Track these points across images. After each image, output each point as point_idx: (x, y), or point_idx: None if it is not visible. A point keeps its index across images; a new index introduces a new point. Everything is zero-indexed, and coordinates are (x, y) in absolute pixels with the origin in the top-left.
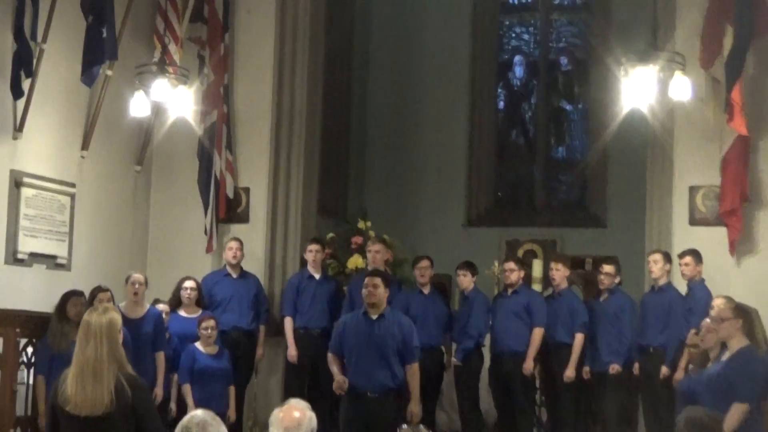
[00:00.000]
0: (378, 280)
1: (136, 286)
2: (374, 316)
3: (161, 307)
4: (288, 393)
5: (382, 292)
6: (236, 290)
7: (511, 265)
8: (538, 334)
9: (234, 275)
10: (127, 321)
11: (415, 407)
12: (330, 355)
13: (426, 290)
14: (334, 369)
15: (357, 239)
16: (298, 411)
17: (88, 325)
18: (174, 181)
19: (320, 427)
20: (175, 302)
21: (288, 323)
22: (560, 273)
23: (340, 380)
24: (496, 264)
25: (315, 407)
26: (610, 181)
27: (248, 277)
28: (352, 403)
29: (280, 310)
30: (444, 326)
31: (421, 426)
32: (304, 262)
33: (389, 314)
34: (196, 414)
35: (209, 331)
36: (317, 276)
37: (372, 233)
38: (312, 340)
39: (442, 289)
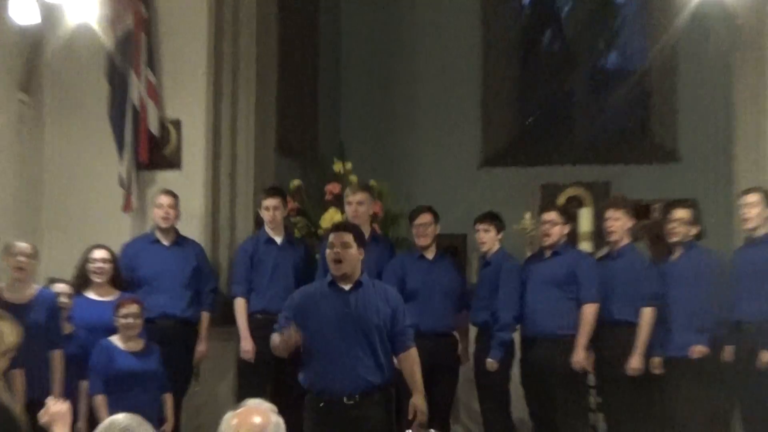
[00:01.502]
0: (347, 237)
1: (20, 259)
2: (346, 287)
3: (59, 288)
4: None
5: (354, 254)
6: (168, 263)
7: (550, 216)
8: (590, 312)
9: (166, 242)
10: (7, 307)
11: (418, 400)
12: (274, 336)
13: (429, 255)
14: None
15: (332, 187)
16: (260, 415)
17: None
18: (75, 114)
19: None
20: (81, 281)
21: (240, 306)
22: (619, 224)
23: (289, 333)
24: (528, 216)
25: (282, 415)
26: (682, 98)
27: (185, 245)
28: (321, 415)
29: (229, 288)
30: (456, 303)
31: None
32: (260, 222)
33: (367, 283)
34: (117, 419)
35: (131, 320)
36: (279, 240)
37: (353, 178)
38: (270, 328)
39: (452, 254)
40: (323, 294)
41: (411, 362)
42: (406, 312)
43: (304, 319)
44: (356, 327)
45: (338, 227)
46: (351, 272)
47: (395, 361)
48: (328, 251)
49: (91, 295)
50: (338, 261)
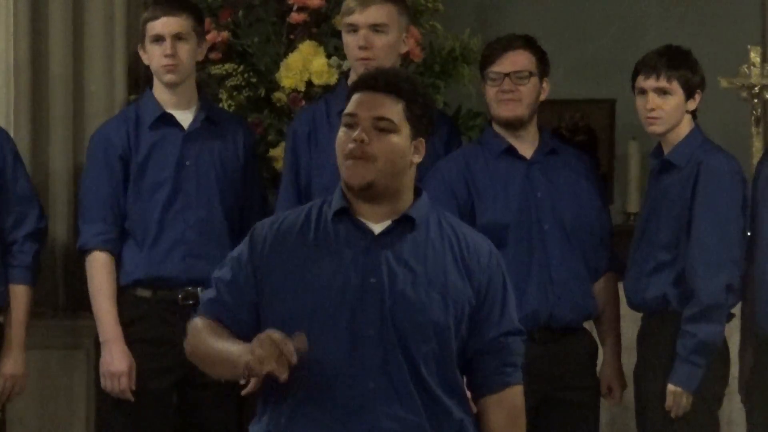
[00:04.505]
0: (390, 107)
1: None
2: (375, 227)
3: None
4: None
5: (399, 149)
6: None
7: None
8: None
9: None
10: None
11: None
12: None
13: (527, 147)
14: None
15: None
16: None
17: None
18: None
19: None
20: None
21: (98, 271)
22: None
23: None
24: (756, 59)
25: None
26: None
27: None
28: None
29: (72, 231)
30: (592, 260)
31: None
32: (143, 78)
33: (424, 220)
34: None
35: None
36: (186, 117)
37: None
38: (175, 315)
39: (582, 148)
40: (320, 242)
41: (507, 414)
42: (510, 291)
43: (273, 297)
44: (388, 325)
45: (370, 80)
46: (389, 190)
47: (472, 406)
48: (341, 140)
49: None
50: (363, 159)
